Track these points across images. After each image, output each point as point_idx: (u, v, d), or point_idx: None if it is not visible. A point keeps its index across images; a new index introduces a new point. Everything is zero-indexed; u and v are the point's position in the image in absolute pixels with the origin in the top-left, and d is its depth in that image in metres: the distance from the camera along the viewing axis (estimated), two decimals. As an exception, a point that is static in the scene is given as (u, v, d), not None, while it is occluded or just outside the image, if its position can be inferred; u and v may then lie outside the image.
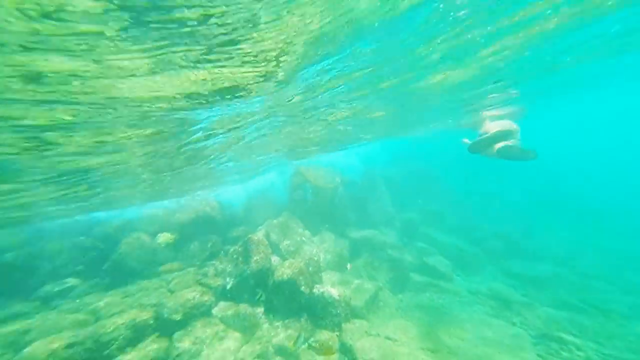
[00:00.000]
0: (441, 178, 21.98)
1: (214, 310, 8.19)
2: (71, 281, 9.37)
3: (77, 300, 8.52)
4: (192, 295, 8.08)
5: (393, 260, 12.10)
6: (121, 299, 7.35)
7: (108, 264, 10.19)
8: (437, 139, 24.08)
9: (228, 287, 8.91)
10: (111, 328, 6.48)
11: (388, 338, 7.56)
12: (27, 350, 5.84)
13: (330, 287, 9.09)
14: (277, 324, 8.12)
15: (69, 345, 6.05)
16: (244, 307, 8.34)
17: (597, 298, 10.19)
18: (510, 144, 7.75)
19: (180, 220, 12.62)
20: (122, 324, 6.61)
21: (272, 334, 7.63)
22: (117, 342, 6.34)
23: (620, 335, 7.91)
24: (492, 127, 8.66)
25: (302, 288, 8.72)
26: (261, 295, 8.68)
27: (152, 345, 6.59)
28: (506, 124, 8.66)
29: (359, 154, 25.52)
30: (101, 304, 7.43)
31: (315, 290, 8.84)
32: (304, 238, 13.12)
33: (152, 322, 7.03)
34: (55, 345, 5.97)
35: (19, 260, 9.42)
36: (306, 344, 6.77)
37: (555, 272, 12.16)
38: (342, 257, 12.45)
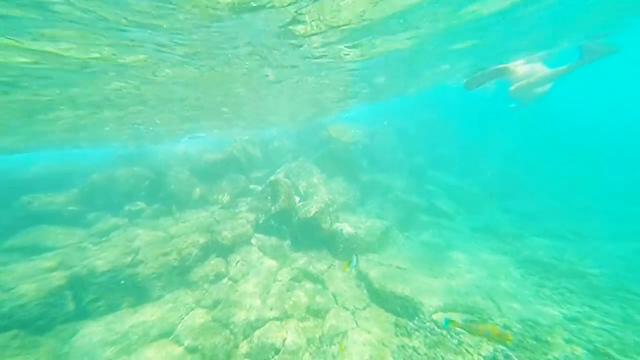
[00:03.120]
0: (450, 126, 20.80)
1: (252, 240, 8.81)
2: (140, 204, 10.36)
3: (150, 221, 9.59)
4: (235, 224, 8.70)
5: (401, 202, 12.26)
6: (182, 224, 8.07)
7: (163, 193, 11.16)
8: (446, 90, 22.12)
9: (260, 222, 9.38)
10: (185, 245, 7.28)
11: (398, 267, 8.12)
12: (139, 257, 6.77)
13: (347, 225, 9.45)
14: (302, 254, 8.75)
15: (164, 254, 7.01)
16: (275, 240, 8.90)
17: (583, 227, 10.63)
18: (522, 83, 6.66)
19: (211, 159, 12.94)
20: (191, 243, 7.38)
21: (300, 262, 8.28)
22: (191, 257, 7.21)
23: (593, 255, 8.58)
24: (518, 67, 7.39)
25: (323, 225, 9.09)
26: (289, 232, 9.18)
27: (215, 262, 7.46)
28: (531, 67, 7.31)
29: (374, 108, 23.92)
30: (168, 226, 8.25)
31: (334, 227, 9.24)
32: (320, 181, 13.16)
33: (211, 244, 7.78)
34: (157, 252, 6.96)
35: (101, 181, 10.44)
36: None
37: (550, 207, 12.36)
38: (355, 199, 12.66)
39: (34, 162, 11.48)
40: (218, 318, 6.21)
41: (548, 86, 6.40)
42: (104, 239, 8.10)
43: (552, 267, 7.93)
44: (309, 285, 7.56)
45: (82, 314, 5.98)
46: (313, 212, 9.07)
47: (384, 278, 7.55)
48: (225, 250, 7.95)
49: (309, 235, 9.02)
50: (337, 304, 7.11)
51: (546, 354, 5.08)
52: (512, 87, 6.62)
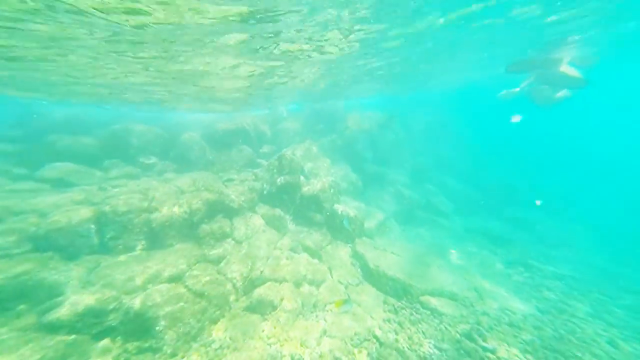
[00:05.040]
0: (456, 130, 21.12)
1: (256, 209, 9.10)
2: (153, 159, 10.93)
3: (162, 176, 9.97)
4: (242, 190, 8.99)
5: (401, 196, 12.64)
6: (192, 181, 8.33)
7: (174, 152, 11.75)
8: (456, 92, 22.28)
9: (265, 192, 9.65)
10: (195, 201, 7.53)
11: (392, 253, 8.54)
12: (154, 204, 7.11)
13: (347, 208, 9.79)
14: (302, 229, 9.10)
15: (178, 205, 7.34)
16: (278, 211, 9.19)
17: (569, 236, 11.56)
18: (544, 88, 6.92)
19: (223, 128, 13.28)
20: (201, 200, 7.63)
21: (300, 236, 8.63)
22: (200, 214, 7.48)
23: (574, 262, 9.40)
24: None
25: (325, 205, 9.42)
26: (292, 207, 9.48)
27: (221, 222, 7.73)
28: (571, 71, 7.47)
29: (386, 100, 23.97)
30: (179, 182, 8.50)
31: (334, 207, 9.57)
32: (325, 164, 13.40)
33: (219, 205, 8.02)
34: (170, 202, 7.32)
35: (120, 132, 11.04)
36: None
37: (542, 218, 12.99)
38: (356, 187, 12.98)
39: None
40: (222, 272, 6.56)
41: (569, 93, 6.64)
42: (121, 182, 8.48)
43: (536, 268, 8.52)
44: (306, 257, 7.94)
45: (104, 249, 6.38)
46: (317, 190, 9.38)
47: (378, 261, 7.97)
48: (230, 213, 8.25)
49: (311, 212, 9.35)
50: (332, 277, 7.53)
51: (516, 337, 5.63)
52: (538, 88, 6.80)
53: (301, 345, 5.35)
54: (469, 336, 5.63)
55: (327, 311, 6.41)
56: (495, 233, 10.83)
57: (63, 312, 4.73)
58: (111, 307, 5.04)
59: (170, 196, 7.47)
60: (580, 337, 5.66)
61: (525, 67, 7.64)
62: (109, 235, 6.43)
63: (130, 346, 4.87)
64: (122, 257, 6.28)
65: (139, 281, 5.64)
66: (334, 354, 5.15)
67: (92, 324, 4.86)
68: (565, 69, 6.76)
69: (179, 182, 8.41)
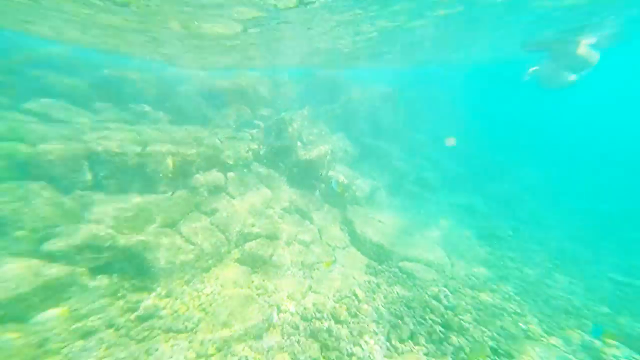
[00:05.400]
0: (452, 108, 20.94)
1: (252, 167, 9.13)
2: (147, 107, 10.34)
3: (156, 124, 9.56)
4: (238, 148, 8.88)
5: (394, 169, 12.90)
6: (187, 134, 8.19)
7: (169, 103, 11.21)
8: (459, 73, 21.59)
9: (261, 152, 9.62)
10: (190, 152, 7.45)
11: (380, 221, 9.04)
12: (148, 150, 6.95)
13: (341, 176, 10.01)
14: (296, 191, 9.34)
15: (171, 153, 7.21)
16: (273, 172, 9.31)
17: (538, 213, 12.67)
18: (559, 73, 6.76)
19: (221, 86, 12.61)
20: (196, 152, 7.56)
21: (293, 197, 8.90)
22: (194, 164, 7.49)
23: (539, 236, 10.53)
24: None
25: (320, 171, 9.58)
26: (287, 169, 9.60)
27: (215, 175, 7.79)
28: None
29: (392, 73, 22.91)
30: (174, 132, 8.34)
31: (329, 174, 9.77)
32: (323, 132, 13.20)
33: (214, 159, 7.99)
34: (164, 149, 7.14)
35: (112, 77, 10.42)
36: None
37: (518, 193, 13.96)
38: (352, 157, 13.06)
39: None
40: (215, 223, 6.82)
41: (577, 77, 6.52)
42: (113, 125, 8.10)
43: (505, 241, 9.43)
44: (298, 217, 8.33)
45: (98, 187, 6.35)
46: (313, 155, 9.44)
47: (365, 227, 8.48)
48: (225, 168, 8.28)
49: (305, 177, 9.52)
50: (321, 239, 8.04)
51: (475, 298, 6.51)
52: (550, 70, 6.61)
53: (288, 298, 5.88)
54: (435, 297, 6.39)
55: (315, 269, 7.00)
56: (475, 208, 11.60)
57: (60, 244, 4.85)
58: (107, 244, 5.19)
59: (165, 144, 7.28)
60: (529, 296, 6.81)
61: (542, 46, 7.29)
62: (102, 173, 6.35)
63: (127, 283, 5.23)
64: (117, 197, 6.31)
65: (133, 222, 5.80)
66: (317, 307, 5.76)
67: (89, 258, 5.04)
68: (583, 50, 6.50)
69: (173, 132, 8.23)
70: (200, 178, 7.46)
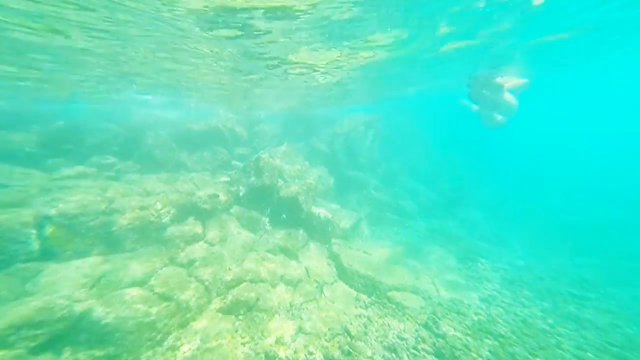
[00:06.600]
0: (422, 136, 23.08)
1: (232, 211, 9.15)
2: (111, 159, 9.88)
3: (124, 177, 9.18)
4: (216, 189, 8.91)
5: (374, 200, 13.56)
6: (159, 183, 7.98)
7: (138, 152, 10.77)
8: (423, 99, 24.44)
9: (241, 194, 9.73)
10: (164, 203, 7.29)
11: (365, 253, 9.27)
12: (114, 206, 6.68)
13: (324, 210, 10.34)
14: (279, 231, 9.40)
15: (142, 207, 6.95)
16: (254, 213, 9.37)
17: (504, 234, 13.58)
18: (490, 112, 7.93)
19: (194, 129, 12.79)
20: (170, 202, 7.41)
21: (277, 237, 8.93)
22: (169, 215, 7.24)
23: (508, 256, 11.27)
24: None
25: (303, 206, 9.83)
26: (269, 209, 9.73)
27: (192, 224, 7.61)
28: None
29: (366, 108, 25.38)
30: (145, 183, 8.08)
31: (312, 210, 10.05)
32: (302, 167, 13.80)
33: (189, 207, 7.85)
34: (133, 204, 6.93)
35: (69, 129, 9.86)
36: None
37: (485, 217, 15.01)
38: (333, 190, 13.60)
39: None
40: (193, 274, 6.54)
41: (506, 119, 7.79)
42: (71, 184, 7.53)
43: (480, 263, 10.03)
44: (283, 257, 8.29)
45: (48, 255, 5.71)
46: (294, 192, 9.75)
47: (351, 260, 8.63)
48: (203, 215, 8.16)
49: (288, 214, 9.69)
50: (309, 277, 8.00)
51: (461, 322, 6.70)
52: (484, 114, 7.86)
53: (277, 343, 5.65)
54: (425, 325, 6.50)
55: (303, 309, 6.86)
56: (450, 232, 12.30)
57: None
58: (58, 315, 4.59)
59: (134, 197, 7.14)
60: (505, 318, 7.12)
61: (479, 85, 8.51)
62: (53, 240, 5.79)
63: (83, 355, 4.47)
64: (73, 263, 5.80)
65: (92, 286, 5.37)
66: (308, 349, 5.59)
67: (32, 336, 4.33)
68: (506, 96, 7.91)
69: (144, 184, 8.10)
70: (174, 230, 7.25)
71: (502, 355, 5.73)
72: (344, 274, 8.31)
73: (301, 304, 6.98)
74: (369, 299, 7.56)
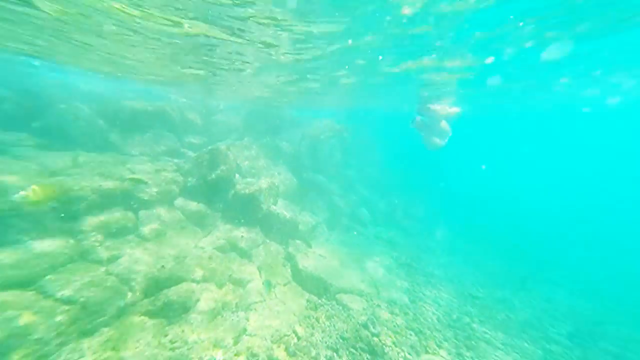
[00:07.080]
0: (380, 149, 24.73)
1: (176, 202, 8.30)
2: None
3: (13, 150, 7.18)
4: (157, 181, 7.83)
5: (333, 205, 14.01)
6: (72, 161, 6.56)
7: (39, 124, 8.73)
8: (383, 116, 26.22)
9: (189, 185, 8.93)
10: (78, 187, 5.97)
11: (321, 255, 9.48)
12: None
13: (284, 210, 10.25)
14: (232, 228, 8.93)
15: (45, 187, 5.55)
16: (204, 208, 8.68)
17: (431, 244, 15.15)
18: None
19: (133, 107, 11.02)
20: (87, 186, 6.14)
21: (230, 235, 8.46)
22: (84, 202, 6.00)
23: (444, 264, 12.70)
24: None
25: (262, 205, 9.59)
26: (221, 204, 9.18)
27: (120, 215, 6.51)
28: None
29: (334, 114, 26.01)
30: (49, 161, 6.49)
31: (271, 209, 9.87)
32: (263, 165, 13.48)
33: (119, 194, 6.69)
34: (29, 192, 5.46)
35: None
36: None
37: (424, 227, 16.87)
38: (294, 192, 13.57)
39: None
40: (114, 272, 5.72)
41: (443, 142, 8.85)
42: None
43: (414, 268, 11.27)
44: (234, 256, 7.91)
45: None
46: (253, 190, 9.44)
47: (306, 261, 8.74)
48: (137, 205, 7.22)
49: (245, 211, 9.31)
50: (261, 277, 7.80)
51: (392, 322, 7.42)
52: (426, 136, 8.81)
53: (214, 347, 5.31)
54: (365, 325, 6.99)
55: (251, 310, 6.66)
56: (394, 240, 13.55)
57: None
58: None
59: (28, 176, 5.88)
60: (424, 315, 8.20)
61: (418, 125, 9.09)
62: None
63: None
64: None
65: None
66: (251, 351, 5.43)
67: None
68: (443, 125, 9.05)
69: (46, 160, 6.62)
70: (92, 220, 6.20)
71: (418, 349, 6.57)
72: (298, 275, 8.35)
73: (249, 305, 6.76)
74: (319, 301, 7.75)
